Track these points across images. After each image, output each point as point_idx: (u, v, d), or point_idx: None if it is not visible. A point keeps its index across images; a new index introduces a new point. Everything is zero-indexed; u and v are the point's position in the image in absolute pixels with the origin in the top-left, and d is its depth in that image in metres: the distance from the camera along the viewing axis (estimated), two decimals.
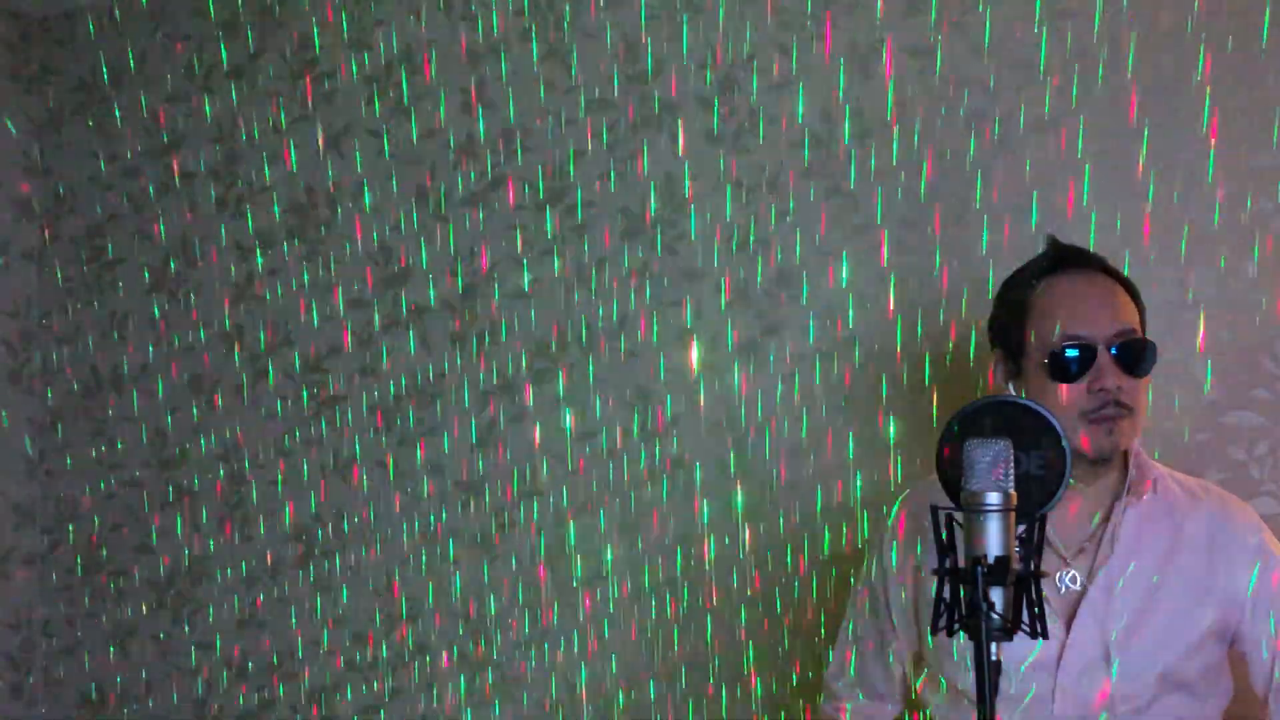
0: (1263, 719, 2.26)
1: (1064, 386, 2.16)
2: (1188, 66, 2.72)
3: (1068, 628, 2.18)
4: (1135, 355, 2.18)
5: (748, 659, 3.04)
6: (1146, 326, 2.26)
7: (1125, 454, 2.26)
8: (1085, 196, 2.77)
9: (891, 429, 2.91)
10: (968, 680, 2.21)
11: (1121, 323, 2.20)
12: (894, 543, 2.39)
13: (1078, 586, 2.21)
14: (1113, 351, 2.17)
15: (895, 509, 2.43)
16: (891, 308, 2.93)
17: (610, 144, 3.18)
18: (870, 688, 2.45)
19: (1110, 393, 2.16)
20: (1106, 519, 2.24)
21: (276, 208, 3.49)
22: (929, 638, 2.31)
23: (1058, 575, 2.21)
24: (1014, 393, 2.24)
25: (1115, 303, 2.22)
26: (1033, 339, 2.22)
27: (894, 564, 2.38)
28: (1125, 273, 2.30)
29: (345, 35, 3.42)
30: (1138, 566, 2.21)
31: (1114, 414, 2.16)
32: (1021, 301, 2.25)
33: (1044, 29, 2.82)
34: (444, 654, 3.31)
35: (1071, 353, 2.17)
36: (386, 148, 3.38)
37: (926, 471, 2.71)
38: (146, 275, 3.64)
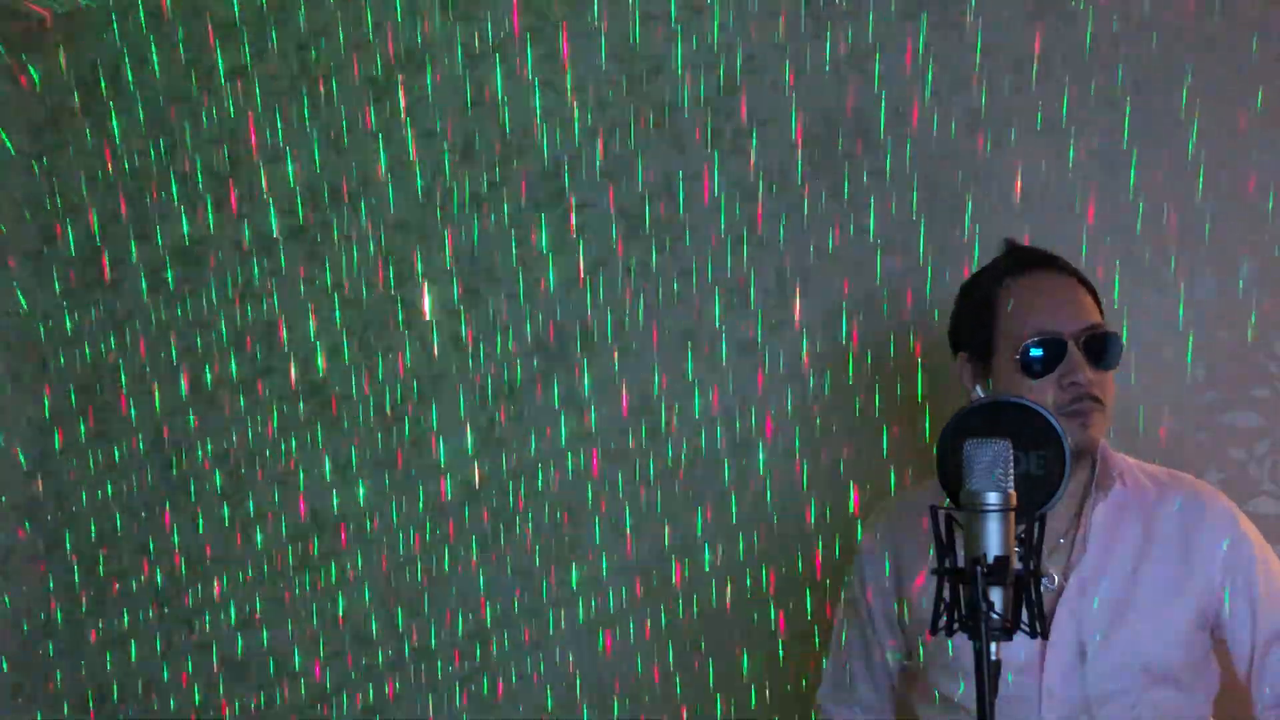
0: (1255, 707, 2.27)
1: (1036, 382, 2.18)
2: (1190, 66, 2.72)
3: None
4: (1103, 348, 2.21)
5: (744, 666, 3.04)
6: (1106, 320, 2.27)
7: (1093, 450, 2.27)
8: (1084, 199, 2.77)
9: (886, 436, 2.91)
10: (959, 689, 2.22)
11: (1087, 317, 2.23)
12: (871, 558, 2.39)
13: (1054, 586, 2.22)
14: (1082, 346, 2.19)
15: (868, 525, 2.44)
16: (890, 310, 2.93)
17: (610, 146, 3.17)
18: (861, 703, 2.46)
19: (1082, 386, 2.17)
20: (1078, 516, 2.25)
21: (276, 208, 3.49)
22: (919, 650, 2.32)
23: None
24: (982, 394, 2.25)
25: (1078, 298, 2.25)
26: (1000, 338, 2.23)
27: (873, 579, 2.39)
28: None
29: (345, 37, 3.42)
30: (1113, 561, 2.22)
31: (1087, 407, 2.19)
32: (986, 302, 2.27)
33: (1044, 29, 2.82)
34: (444, 657, 3.31)
35: (1042, 350, 2.19)
36: (387, 150, 3.37)
37: (916, 476, 2.72)
38: (147, 277, 3.64)
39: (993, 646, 1.71)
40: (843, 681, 2.46)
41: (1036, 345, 2.19)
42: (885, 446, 2.91)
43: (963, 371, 2.32)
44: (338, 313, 3.42)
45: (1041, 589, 2.19)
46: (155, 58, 3.64)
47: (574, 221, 3.20)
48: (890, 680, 2.44)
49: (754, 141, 3.05)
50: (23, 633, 3.73)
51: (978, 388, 2.28)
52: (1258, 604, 2.23)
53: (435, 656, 3.31)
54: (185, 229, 3.60)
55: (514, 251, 3.25)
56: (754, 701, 3.03)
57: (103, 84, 3.69)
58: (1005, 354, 2.22)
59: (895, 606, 2.36)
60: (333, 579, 3.41)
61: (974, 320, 2.29)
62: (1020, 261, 2.29)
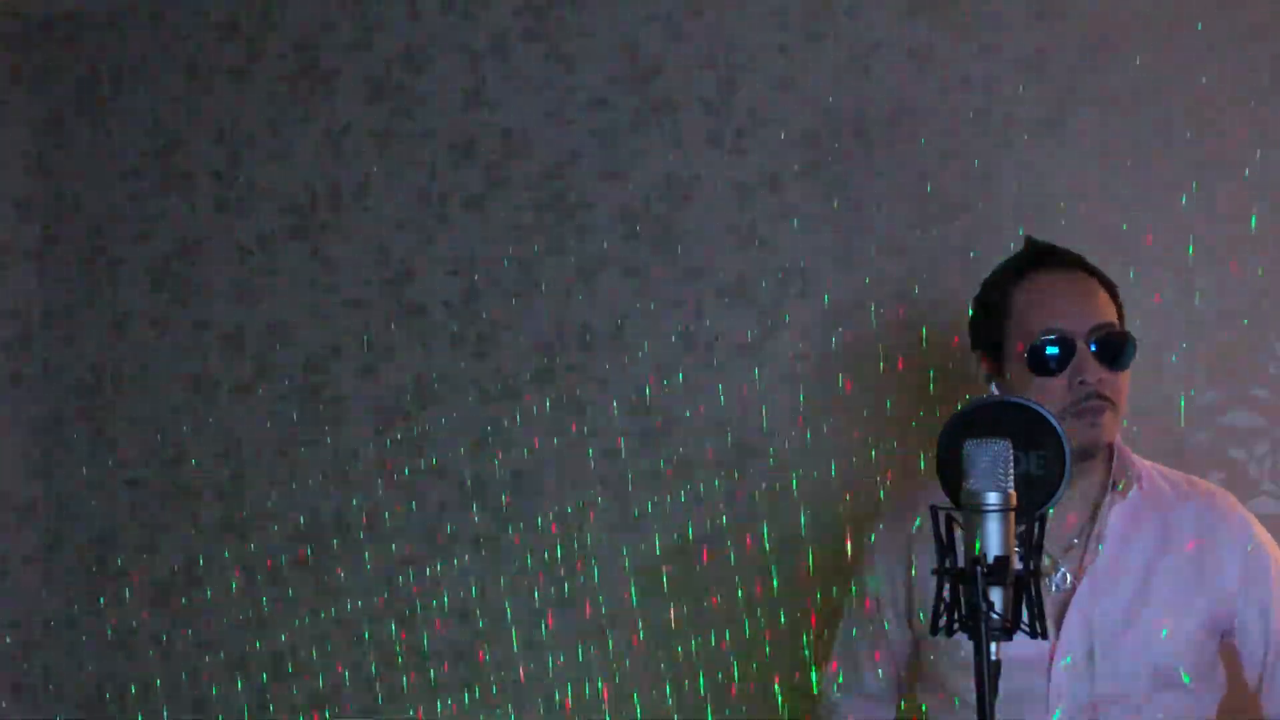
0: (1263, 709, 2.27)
1: (1046, 381, 2.17)
2: (1191, 67, 2.72)
3: (1058, 627, 2.19)
4: (1115, 348, 2.20)
5: (740, 671, 3.04)
6: (1125, 321, 2.27)
7: (1110, 450, 2.26)
8: (1086, 198, 2.77)
9: (887, 437, 2.91)
10: (966, 684, 2.22)
11: (1100, 317, 2.21)
12: (881, 552, 2.39)
13: (1067, 585, 2.22)
14: (1092, 345, 2.19)
15: (878, 520, 2.44)
16: (890, 310, 2.93)
17: (610, 146, 3.18)
18: (867, 693, 2.46)
19: (1091, 386, 2.17)
20: (1093, 516, 2.24)
21: (276, 208, 3.49)
22: (927, 644, 2.32)
23: (1047, 575, 2.21)
24: (996, 392, 2.25)
25: (1093, 297, 2.24)
26: (1012, 337, 2.23)
27: (883, 573, 2.39)
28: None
29: (345, 37, 3.42)
30: (1126, 562, 2.21)
31: (1096, 406, 2.17)
32: (1000, 301, 2.26)
33: (1044, 29, 2.82)
34: (443, 658, 3.31)
35: (1051, 349, 2.18)
36: (387, 148, 3.38)
37: (920, 477, 2.72)
38: (146, 275, 3.64)
39: (993, 646, 1.71)
40: (849, 672, 2.46)
41: (1046, 344, 2.19)
42: (884, 448, 2.91)
43: (978, 370, 2.32)
44: (338, 313, 3.42)
45: (1052, 589, 2.20)
46: (155, 58, 3.64)
47: (574, 222, 3.21)
48: (897, 673, 2.44)
49: (754, 141, 3.06)
50: (22, 633, 3.73)
51: (993, 386, 2.28)
52: (1271, 613, 2.22)
53: (433, 659, 3.31)
54: (185, 228, 3.60)
55: (513, 251, 3.26)
56: (759, 701, 3.03)
57: (103, 84, 3.70)
58: (1015, 353, 2.22)
59: (904, 601, 2.36)
60: (332, 580, 3.42)
61: (988, 318, 2.29)
62: (1035, 259, 2.29)
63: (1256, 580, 2.23)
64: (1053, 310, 2.21)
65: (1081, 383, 2.18)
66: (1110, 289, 2.28)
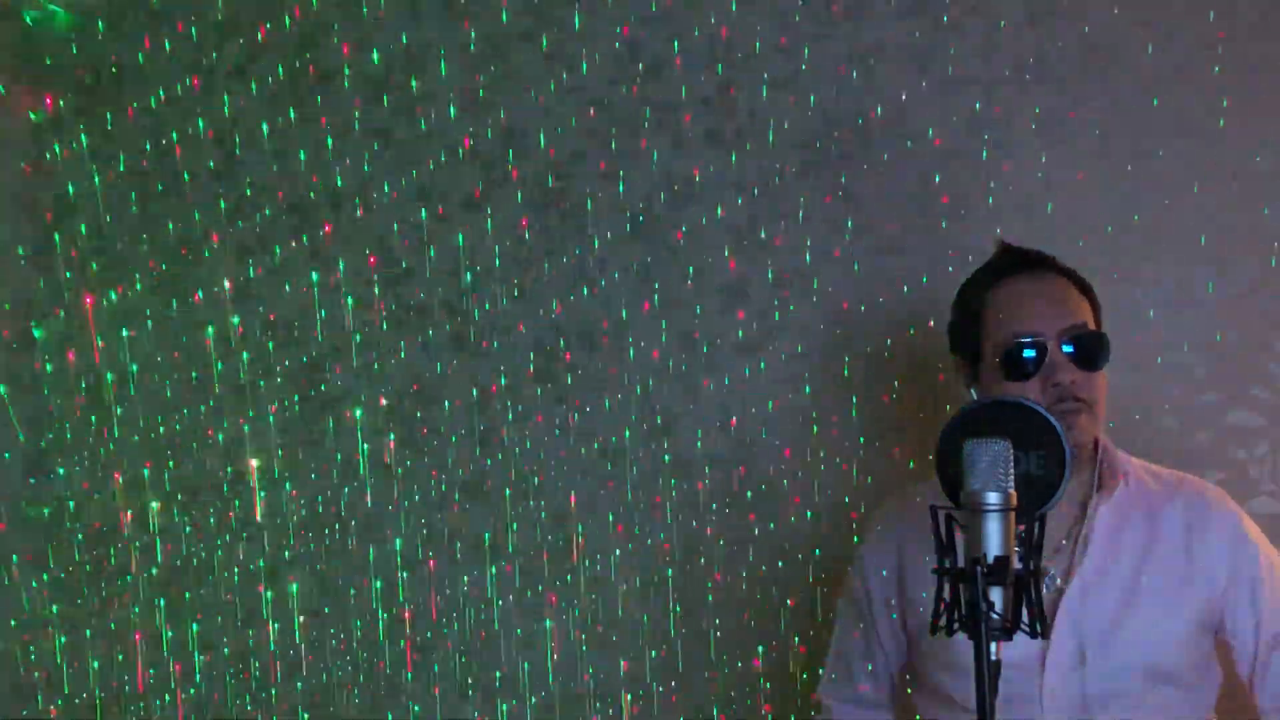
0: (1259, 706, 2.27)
1: (1020, 385, 2.17)
2: (1190, 67, 2.72)
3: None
4: (1088, 349, 2.20)
5: (745, 665, 3.04)
6: (1101, 320, 2.26)
7: (1096, 450, 2.26)
8: (1086, 198, 2.77)
9: (884, 438, 2.91)
10: (960, 687, 2.22)
11: (1071, 318, 2.21)
12: (873, 555, 2.39)
13: (1057, 586, 2.22)
14: (1065, 347, 2.18)
15: (871, 522, 2.44)
16: (890, 310, 2.93)
17: (610, 146, 3.17)
18: (863, 699, 2.46)
19: (1065, 388, 2.16)
20: (1081, 517, 2.24)
21: (276, 208, 3.48)
22: (922, 647, 2.32)
23: None
24: (973, 396, 2.26)
25: (1065, 299, 2.23)
26: (986, 341, 2.23)
27: (876, 576, 2.39)
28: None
29: (345, 35, 3.42)
30: (1116, 561, 2.22)
31: (1071, 409, 2.17)
32: (974, 305, 2.27)
33: (1044, 29, 2.82)
34: (444, 658, 3.31)
35: (1025, 351, 2.18)
36: (387, 148, 3.37)
37: (916, 475, 2.72)
38: (147, 275, 3.64)
39: (992, 646, 1.71)
40: (844, 677, 2.47)
41: (1018, 348, 2.19)
42: (883, 447, 2.91)
43: (957, 374, 2.33)
44: (338, 313, 3.42)
45: (1043, 589, 2.20)
46: (155, 58, 3.64)
47: (574, 222, 3.20)
48: (891, 676, 2.44)
49: (754, 142, 3.06)
50: (23, 633, 3.72)
51: (972, 390, 2.28)
52: (1261, 606, 2.23)
53: (433, 659, 3.31)
54: (185, 229, 3.60)
55: (513, 251, 3.25)
56: (758, 701, 3.03)
57: (103, 84, 3.69)
58: (990, 357, 2.23)
59: (898, 604, 2.36)
60: (332, 580, 3.41)
61: (964, 323, 2.30)
62: (1008, 264, 2.29)
63: (1244, 573, 2.23)
64: (1024, 313, 2.21)
65: (1055, 385, 2.17)
66: (1084, 289, 2.27)
